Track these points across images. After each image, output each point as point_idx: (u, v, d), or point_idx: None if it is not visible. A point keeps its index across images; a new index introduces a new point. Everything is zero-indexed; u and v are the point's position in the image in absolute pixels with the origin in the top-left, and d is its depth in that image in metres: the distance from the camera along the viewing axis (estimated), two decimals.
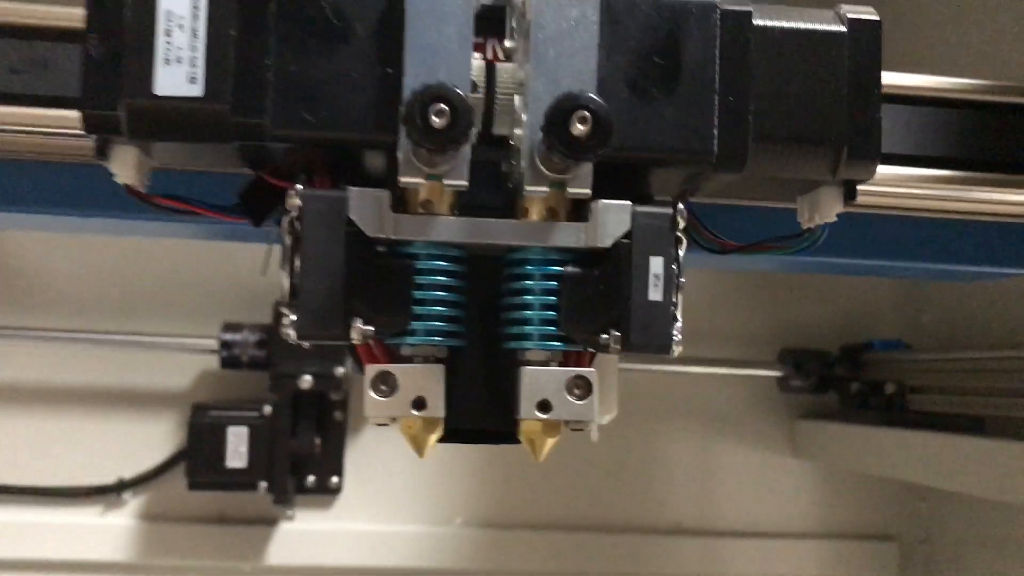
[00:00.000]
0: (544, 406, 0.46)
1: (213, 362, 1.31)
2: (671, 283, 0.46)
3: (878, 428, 1.30)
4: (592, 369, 0.46)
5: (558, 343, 0.47)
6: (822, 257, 0.56)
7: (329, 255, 0.44)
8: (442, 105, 0.40)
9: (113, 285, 1.35)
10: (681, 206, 0.47)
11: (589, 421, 0.46)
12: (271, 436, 1.27)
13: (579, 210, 0.47)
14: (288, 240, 0.45)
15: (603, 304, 0.46)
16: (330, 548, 1.37)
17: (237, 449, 1.26)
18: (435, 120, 0.39)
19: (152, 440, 1.36)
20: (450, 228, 0.46)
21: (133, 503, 1.36)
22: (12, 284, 1.34)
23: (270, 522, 1.36)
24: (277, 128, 0.44)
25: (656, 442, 1.47)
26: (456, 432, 0.49)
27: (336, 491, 1.38)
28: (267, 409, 1.27)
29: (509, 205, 0.48)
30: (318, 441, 1.32)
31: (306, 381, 1.26)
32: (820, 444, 1.45)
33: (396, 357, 0.47)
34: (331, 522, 1.39)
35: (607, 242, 0.46)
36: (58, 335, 1.31)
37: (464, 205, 0.47)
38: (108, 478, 1.34)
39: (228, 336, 1.30)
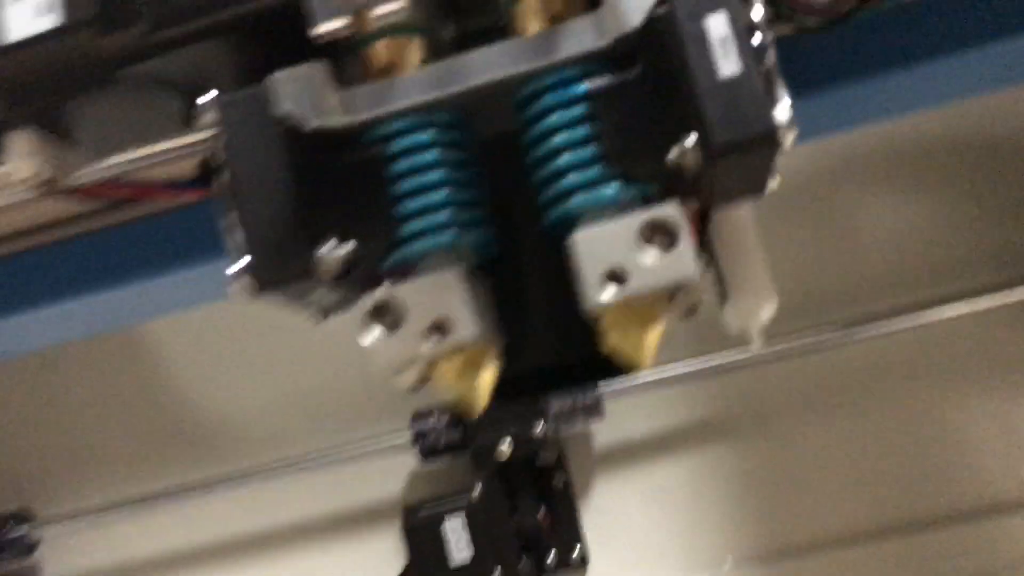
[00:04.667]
0: (615, 276, 0.31)
1: (414, 460, 1.23)
2: (747, 44, 0.31)
3: None
4: (669, 205, 0.31)
5: (612, 185, 0.32)
6: None
7: (266, 170, 0.32)
8: None
9: (292, 409, 1.31)
10: None
11: (688, 281, 0.30)
12: (489, 517, 1.15)
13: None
14: (224, 171, 0.34)
15: (659, 111, 0.31)
16: None
17: (458, 542, 1.15)
18: None
19: (385, 554, 1.28)
20: (417, 85, 0.33)
21: None
22: (201, 439, 1.33)
23: None
24: (159, 30, 0.33)
25: (942, 411, 1.22)
26: (523, 379, 0.35)
27: (583, 563, 1.24)
28: (478, 489, 1.16)
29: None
30: (543, 512, 1.20)
31: (505, 447, 1.15)
32: None
33: None
34: None
35: (635, 21, 0.31)
36: (259, 473, 1.28)
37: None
38: None
39: (419, 425, 1.22)
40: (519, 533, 1.18)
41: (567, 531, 1.24)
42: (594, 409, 1.20)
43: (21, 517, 1.32)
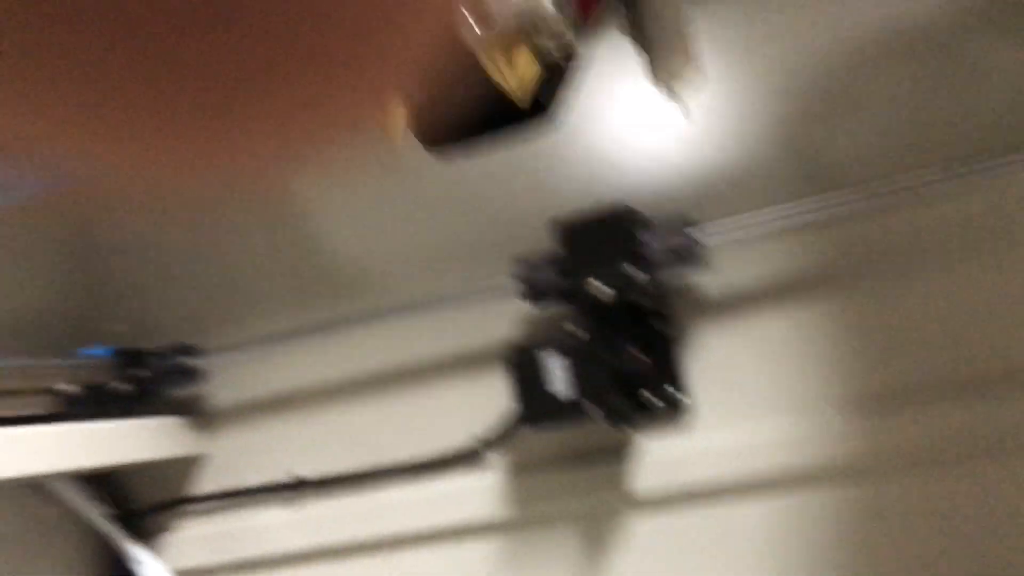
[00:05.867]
0: None
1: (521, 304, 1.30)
2: None
3: None
4: None
5: None
6: None
7: None
8: None
9: (421, 255, 1.40)
10: None
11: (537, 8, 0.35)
12: (588, 355, 1.20)
13: None
14: None
15: None
16: (695, 466, 1.26)
17: (558, 376, 1.21)
18: None
19: (498, 395, 1.36)
20: None
21: (496, 460, 1.37)
22: (344, 281, 1.44)
23: (627, 449, 1.29)
24: None
25: None
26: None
27: (686, 406, 1.27)
28: (581, 330, 1.21)
29: None
30: (646, 356, 1.24)
31: (607, 290, 1.19)
32: None
33: None
34: (689, 439, 1.27)
35: None
36: (389, 312, 1.36)
37: None
38: (466, 441, 1.37)
39: (527, 272, 1.27)
40: (621, 374, 1.22)
41: (671, 375, 1.27)
42: (694, 257, 1.19)
43: (189, 349, 1.47)
